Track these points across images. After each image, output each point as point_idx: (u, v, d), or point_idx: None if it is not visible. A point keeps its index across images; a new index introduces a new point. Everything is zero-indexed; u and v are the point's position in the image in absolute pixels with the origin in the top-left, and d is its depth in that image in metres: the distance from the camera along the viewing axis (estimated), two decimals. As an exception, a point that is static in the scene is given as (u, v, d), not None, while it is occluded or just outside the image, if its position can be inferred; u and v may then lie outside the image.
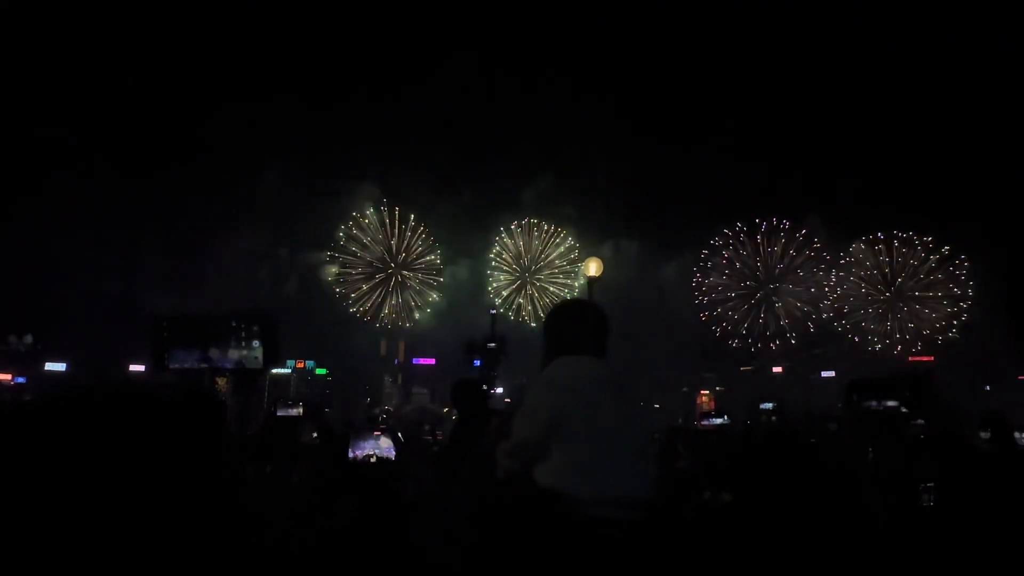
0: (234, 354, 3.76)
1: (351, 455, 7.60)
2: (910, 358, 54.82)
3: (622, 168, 51.91)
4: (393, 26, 58.89)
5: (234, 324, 3.74)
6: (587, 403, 2.53)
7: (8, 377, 41.82)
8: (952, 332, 56.23)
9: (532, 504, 2.41)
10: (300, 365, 59.52)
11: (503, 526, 2.46)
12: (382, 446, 7.32)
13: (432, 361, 60.01)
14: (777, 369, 59.36)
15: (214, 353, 3.73)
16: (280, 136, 53.98)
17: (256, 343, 3.75)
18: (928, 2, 50.10)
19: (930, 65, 51.07)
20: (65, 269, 47.54)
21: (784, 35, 54.75)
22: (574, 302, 3.16)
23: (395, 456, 7.84)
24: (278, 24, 55.38)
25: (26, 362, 42.33)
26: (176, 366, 3.70)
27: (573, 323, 2.84)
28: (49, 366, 44.71)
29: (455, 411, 5.09)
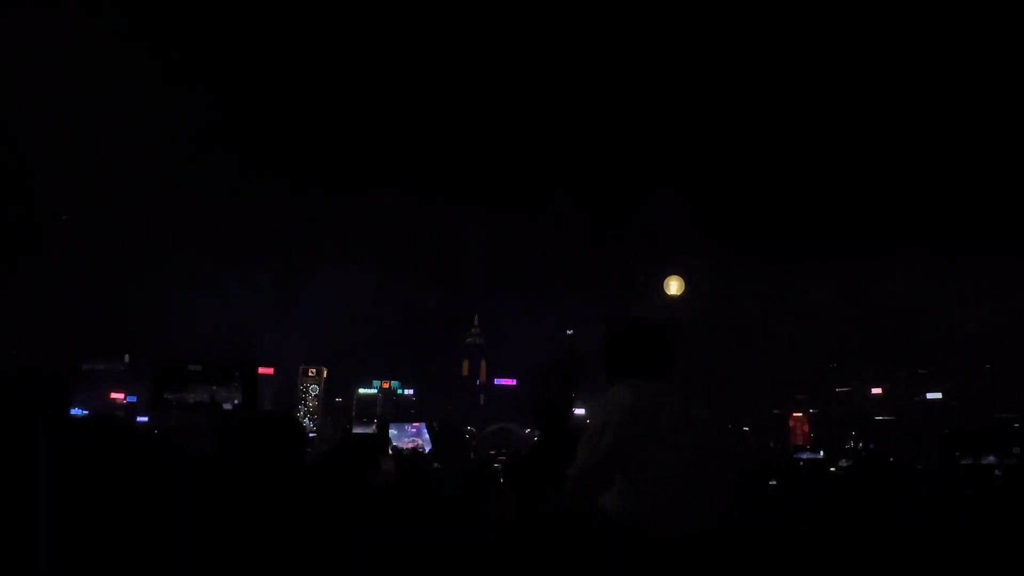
0: (217, 395, 4.21)
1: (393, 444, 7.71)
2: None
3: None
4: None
5: (219, 369, 4.21)
6: (651, 428, 2.41)
7: (120, 396, 45.02)
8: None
9: (597, 530, 2.33)
10: (385, 385, 61.09)
11: (569, 551, 2.39)
12: (423, 438, 7.53)
13: (513, 381, 60.14)
14: (876, 390, 55.93)
15: (199, 395, 4.22)
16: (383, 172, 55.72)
17: (236, 386, 4.19)
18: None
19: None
20: (167, 293, 50.83)
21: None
22: (638, 320, 3.02)
23: (429, 450, 8.01)
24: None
25: (136, 382, 45.41)
26: (170, 399, 4.20)
27: (636, 343, 2.67)
28: (157, 386, 47.73)
29: (538, 429, 5.12)
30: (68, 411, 2.00)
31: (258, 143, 54.83)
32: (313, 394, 58.42)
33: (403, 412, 57.57)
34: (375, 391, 60.61)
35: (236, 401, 4.18)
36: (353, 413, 55.31)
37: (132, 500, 0.91)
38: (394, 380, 60.96)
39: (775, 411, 55.77)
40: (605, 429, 2.43)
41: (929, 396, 53.24)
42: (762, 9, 54.62)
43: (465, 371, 66.64)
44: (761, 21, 53.29)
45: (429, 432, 8.08)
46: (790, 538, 3.50)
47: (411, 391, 62.07)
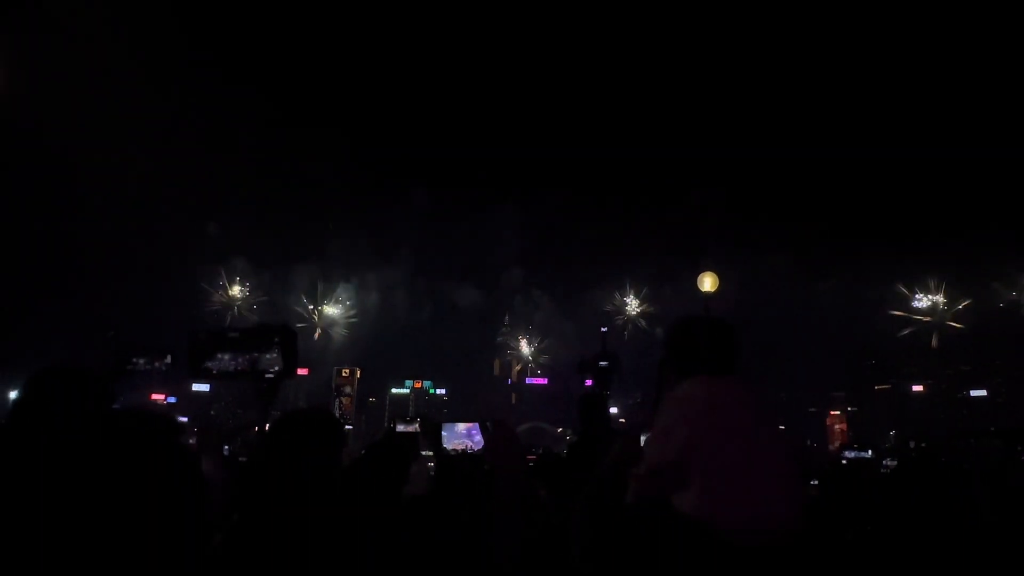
0: (258, 361, 4.13)
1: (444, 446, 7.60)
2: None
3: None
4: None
5: (257, 335, 4.11)
6: (727, 425, 2.36)
7: (161, 397, 46.11)
8: None
9: (671, 531, 2.25)
10: (418, 385, 61.55)
11: (639, 552, 2.31)
12: (473, 439, 7.36)
13: (544, 381, 60.07)
14: (917, 388, 54.50)
15: (239, 360, 4.13)
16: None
17: (276, 352, 4.10)
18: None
19: None
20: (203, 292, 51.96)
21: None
22: (703, 318, 2.90)
23: (478, 450, 7.84)
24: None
25: (175, 383, 46.46)
26: (210, 367, 4.13)
27: (704, 340, 2.66)
28: (195, 387, 48.90)
29: (577, 427, 5.03)
30: (82, 412, 1.94)
31: (289, 143, 55.70)
32: (347, 394, 59.12)
33: (435, 412, 57.89)
34: (407, 391, 61.12)
35: (277, 368, 4.09)
36: (387, 413, 55.88)
37: (137, 504, 0.87)
38: (426, 380, 61.40)
39: (811, 409, 54.77)
40: (678, 425, 2.37)
41: (973, 394, 51.73)
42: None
43: (497, 370, 66.72)
44: (803, 10, 52.50)
45: (483, 433, 7.90)
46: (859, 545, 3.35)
47: (443, 391, 62.41)
